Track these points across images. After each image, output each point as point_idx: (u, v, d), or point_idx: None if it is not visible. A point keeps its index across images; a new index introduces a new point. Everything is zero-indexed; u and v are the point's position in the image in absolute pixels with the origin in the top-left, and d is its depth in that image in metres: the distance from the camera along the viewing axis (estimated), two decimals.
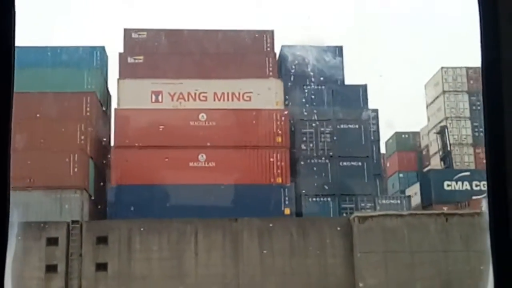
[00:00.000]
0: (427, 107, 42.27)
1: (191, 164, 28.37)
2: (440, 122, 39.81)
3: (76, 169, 25.94)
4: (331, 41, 34.85)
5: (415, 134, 45.89)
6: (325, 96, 28.89)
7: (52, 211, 24.99)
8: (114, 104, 31.99)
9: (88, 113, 28.55)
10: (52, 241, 21.72)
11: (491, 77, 2.21)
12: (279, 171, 28.42)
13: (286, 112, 29.24)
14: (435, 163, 40.44)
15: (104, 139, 30.45)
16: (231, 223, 23.00)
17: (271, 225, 22.42)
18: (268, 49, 32.90)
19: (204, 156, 28.48)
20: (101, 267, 21.64)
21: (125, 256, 22.02)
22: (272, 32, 33.42)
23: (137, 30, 32.89)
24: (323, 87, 29.14)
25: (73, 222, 22.60)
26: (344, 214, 26.83)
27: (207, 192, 27.01)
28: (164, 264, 21.88)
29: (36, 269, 21.25)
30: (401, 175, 41.53)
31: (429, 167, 41.63)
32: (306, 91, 29.61)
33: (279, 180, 28.36)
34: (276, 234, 22.65)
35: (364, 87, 29.06)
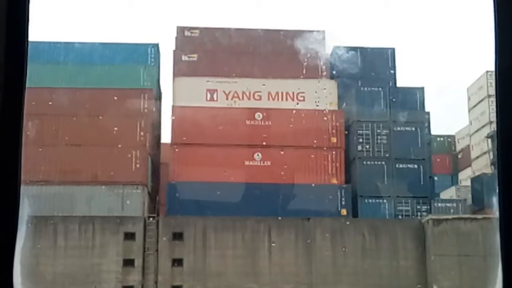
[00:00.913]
0: (469, 110, 42.25)
1: (246, 162, 28.59)
2: (483, 126, 39.80)
3: (138, 165, 26.24)
4: (379, 43, 35.07)
5: (451, 137, 45.92)
6: (381, 97, 28.99)
7: (114, 206, 25.31)
8: (164, 101, 32.41)
9: (146, 110, 28.84)
10: (129, 236, 22.04)
11: (506, 82, 2.23)
12: (334, 171, 28.57)
13: (341, 113, 29.39)
14: (477, 167, 40.40)
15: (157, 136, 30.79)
16: (304, 222, 23.21)
17: (348, 223, 22.58)
18: (319, 49, 33.11)
19: (260, 155, 28.69)
20: (177, 262, 21.93)
21: (200, 253, 22.29)
22: (323, 32, 33.62)
23: (189, 28, 33.15)
24: (379, 88, 29.25)
25: (149, 217, 22.88)
26: (400, 217, 26.96)
27: (262, 190, 27.24)
28: (238, 262, 22.13)
29: (114, 263, 21.59)
30: (435, 178, 41.60)
31: (466, 171, 41.64)
32: (361, 92, 29.73)
33: (334, 180, 28.53)
34: (348, 234, 22.84)
35: (422, 90, 29.17)
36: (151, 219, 22.78)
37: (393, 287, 21.97)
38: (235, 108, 29.41)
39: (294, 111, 29.15)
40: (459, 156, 45.14)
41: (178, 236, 22.40)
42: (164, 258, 22.05)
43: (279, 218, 23.38)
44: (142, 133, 27.57)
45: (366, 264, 22.20)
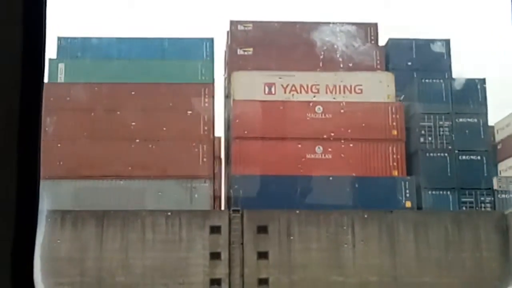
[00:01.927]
0: None
1: (308, 156, 28.66)
2: None
3: (204, 159, 26.40)
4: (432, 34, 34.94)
5: (490, 128, 45.79)
6: (442, 89, 28.98)
7: (183, 200, 25.49)
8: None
9: (206, 104, 28.98)
10: (215, 230, 22.22)
11: None
12: (395, 163, 28.61)
13: (401, 106, 29.41)
14: None
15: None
16: (387, 215, 23.31)
17: (430, 215, 22.60)
18: (372, 42, 33.13)
19: (321, 148, 28.75)
20: (262, 255, 22.09)
21: (285, 246, 22.45)
22: (376, 25, 33.64)
23: (243, 22, 33.26)
24: (440, 80, 29.24)
25: (233, 211, 23.06)
26: (464, 208, 26.99)
27: (325, 183, 27.29)
28: (323, 255, 22.27)
29: (201, 256, 21.78)
30: None
31: (506, 161, 41.57)
32: (421, 84, 29.73)
33: (395, 173, 28.57)
34: (431, 227, 22.93)
35: (482, 81, 29.11)
36: (235, 213, 22.92)
37: (477, 279, 22.07)
38: (295, 101, 29.47)
39: (354, 104, 29.19)
40: (499, 147, 45.14)
41: (262, 230, 22.55)
42: (250, 251, 22.21)
43: (363, 211, 23.42)
44: (206, 128, 27.71)
45: (449, 256, 22.29)
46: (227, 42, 33.77)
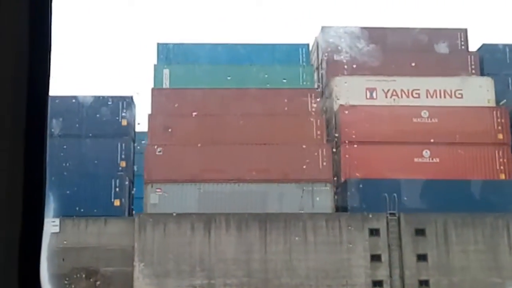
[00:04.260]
0: None
1: (416, 159, 28.89)
2: None
3: (324, 163, 26.60)
4: None
5: None
6: None
7: (305, 203, 25.68)
8: None
9: (313, 109, 29.23)
10: (374, 232, 22.40)
11: None
12: (501, 167, 28.84)
13: (505, 110, 29.67)
14: None
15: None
16: None
17: None
18: (463, 47, 33.43)
19: (429, 152, 28.98)
20: (421, 258, 22.26)
21: (443, 248, 22.62)
22: (465, 30, 33.95)
23: (335, 28, 33.53)
24: None
25: (390, 214, 23.24)
26: None
27: (436, 187, 27.49)
28: (480, 257, 22.43)
29: (362, 258, 21.94)
30: None
31: None
32: None
33: (502, 176, 28.80)
34: None
35: None
36: (392, 216, 23.08)
37: None
38: (401, 106, 29.72)
39: (459, 108, 29.46)
40: None
41: (420, 232, 22.73)
42: (409, 254, 22.38)
43: None
44: (318, 132, 27.94)
45: None
46: (317, 48, 34.09)
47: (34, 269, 2.24)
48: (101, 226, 22.76)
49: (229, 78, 29.21)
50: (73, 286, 19.72)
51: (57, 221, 21.71)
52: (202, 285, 20.82)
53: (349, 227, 20.64)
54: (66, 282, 18.93)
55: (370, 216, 22.95)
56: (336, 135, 29.52)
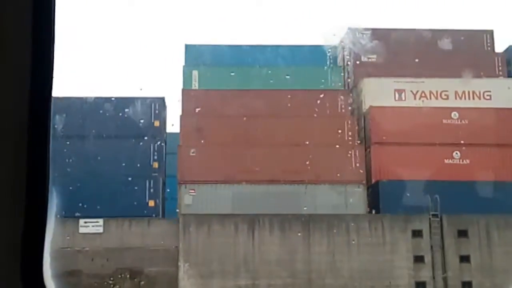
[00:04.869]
0: None
1: (446, 161, 28.83)
2: None
3: (357, 164, 26.55)
4: None
5: None
6: None
7: (338, 204, 25.64)
8: None
9: (343, 110, 29.20)
10: (417, 233, 22.38)
11: None
12: None
13: None
14: None
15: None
16: None
17: None
18: (489, 48, 33.38)
19: (459, 154, 28.92)
20: (464, 259, 22.23)
21: (486, 249, 22.58)
22: (492, 32, 33.90)
23: (361, 30, 33.49)
24: None
25: (433, 215, 23.19)
26: None
27: (467, 188, 27.40)
28: None
29: (405, 259, 21.92)
30: None
31: None
32: None
33: None
34: None
35: None
36: (434, 217, 23.02)
37: None
38: (430, 107, 29.65)
39: (489, 110, 29.38)
40: None
41: (462, 234, 22.70)
42: (451, 255, 22.35)
43: None
44: (350, 133, 27.89)
45: None
46: (343, 49, 34.04)
47: (37, 267, 2.25)
48: (145, 227, 22.77)
49: (256, 79, 29.26)
50: (117, 286, 19.79)
51: (101, 221, 21.76)
52: (247, 285, 20.83)
53: (393, 228, 20.63)
54: (110, 281, 19.00)
55: (413, 217, 22.90)
56: (365, 136, 29.49)
